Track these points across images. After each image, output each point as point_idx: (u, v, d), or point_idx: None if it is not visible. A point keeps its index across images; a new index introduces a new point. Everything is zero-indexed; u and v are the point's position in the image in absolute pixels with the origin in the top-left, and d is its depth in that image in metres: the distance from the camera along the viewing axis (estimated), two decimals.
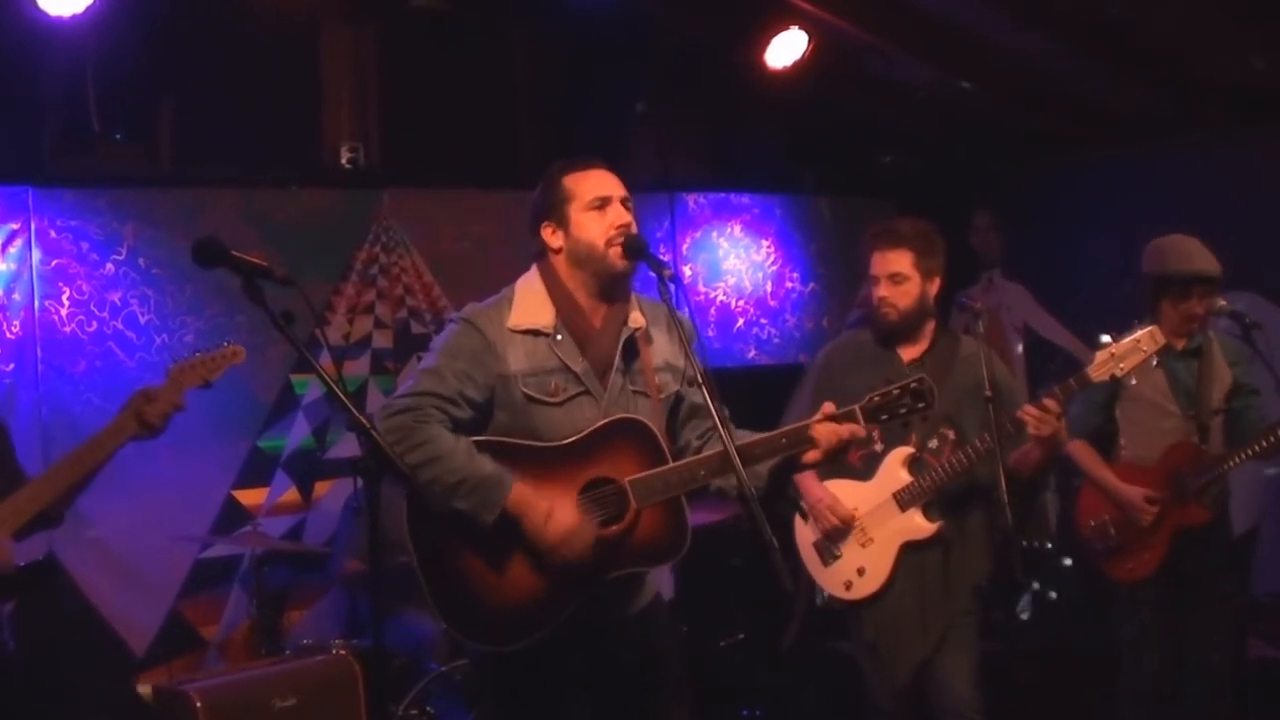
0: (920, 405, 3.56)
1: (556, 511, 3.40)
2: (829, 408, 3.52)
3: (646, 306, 3.70)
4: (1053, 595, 7.24)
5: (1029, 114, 7.67)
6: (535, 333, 3.55)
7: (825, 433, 3.49)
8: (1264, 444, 4.90)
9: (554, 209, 3.61)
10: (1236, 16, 6.35)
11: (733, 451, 3.27)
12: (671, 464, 3.50)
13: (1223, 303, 5.01)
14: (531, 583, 3.45)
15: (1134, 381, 4.85)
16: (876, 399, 3.55)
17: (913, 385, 3.56)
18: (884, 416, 3.57)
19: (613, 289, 3.60)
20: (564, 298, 3.59)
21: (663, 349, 3.68)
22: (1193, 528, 4.99)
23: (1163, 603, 5.04)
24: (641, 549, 3.50)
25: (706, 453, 3.58)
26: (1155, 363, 4.42)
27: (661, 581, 3.87)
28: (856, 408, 3.53)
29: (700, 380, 3.39)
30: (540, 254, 3.66)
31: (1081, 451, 5.15)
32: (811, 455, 3.52)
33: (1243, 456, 4.93)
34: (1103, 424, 5.15)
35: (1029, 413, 4.28)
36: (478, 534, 3.42)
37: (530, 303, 3.60)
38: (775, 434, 3.54)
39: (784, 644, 5.11)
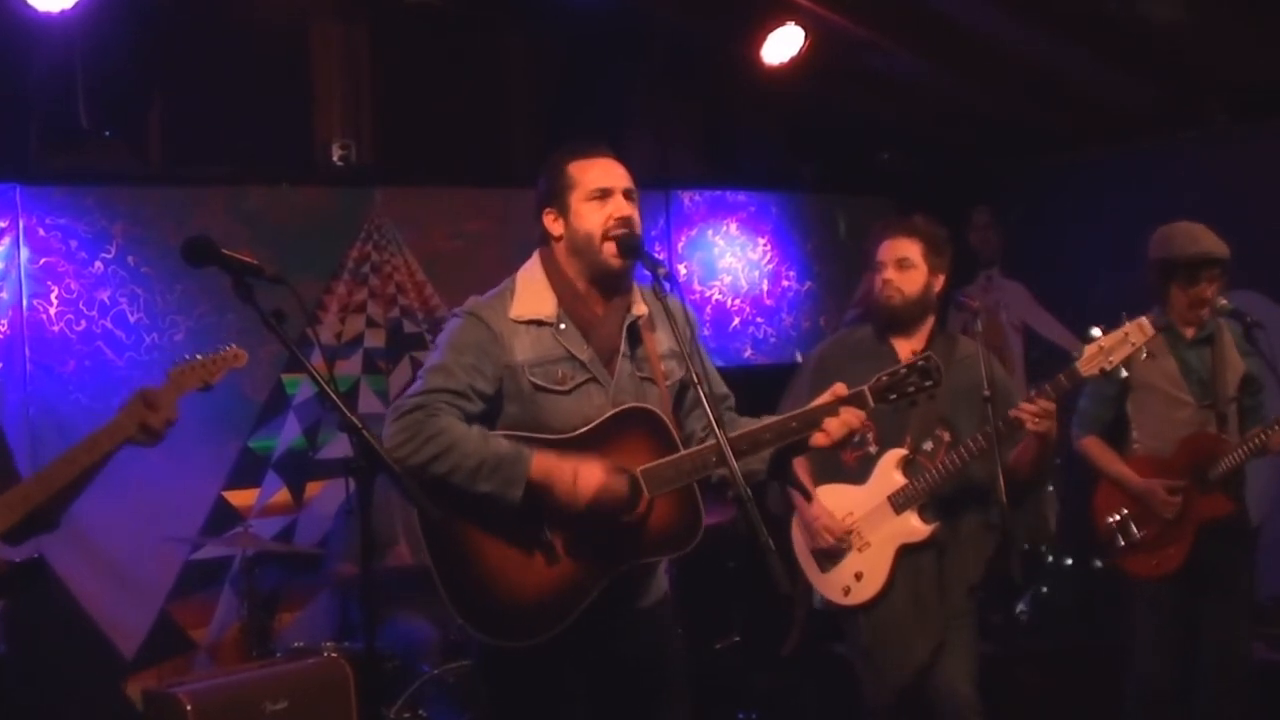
0: (928, 383, 3.52)
1: (582, 470, 3.36)
2: (840, 388, 3.48)
3: (649, 295, 3.67)
4: (1045, 590, 7.20)
5: (1028, 110, 7.64)
6: (539, 323, 3.53)
7: (835, 425, 3.45)
8: (1256, 442, 4.89)
9: (556, 196, 3.58)
10: (1238, 12, 6.32)
11: (730, 456, 3.22)
12: (683, 451, 3.47)
13: (1224, 301, 4.97)
14: (549, 576, 3.42)
15: (1124, 373, 4.79)
16: (884, 378, 3.52)
17: (920, 363, 3.53)
18: (892, 395, 3.53)
19: (612, 282, 3.58)
20: (565, 286, 3.57)
21: (667, 336, 3.66)
22: (1218, 519, 4.94)
23: (1182, 599, 5.00)
24: (656, 538, 3.47)
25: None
26: (1145, 354, 4.36)
27: (663, 585, 3.83)
28: (865, 388, 3.50)
29: (695, 380, 3.35)
30: (543, 240, 3.64)
31: (1094, 447, 5.11)
32: (819, 439, 3.48)
33: (1246, 450, 4.91)
34: (1114, 419, 5.10)
35: (1025, 410, 4.25)
36: (494, 526, 3.40)
37: (532, 293, 3.57)
38: (785, 418, 3.51)
39: (785, 651, 5.07)
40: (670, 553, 3.55)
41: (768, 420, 3.52)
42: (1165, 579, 4.98)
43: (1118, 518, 5.05)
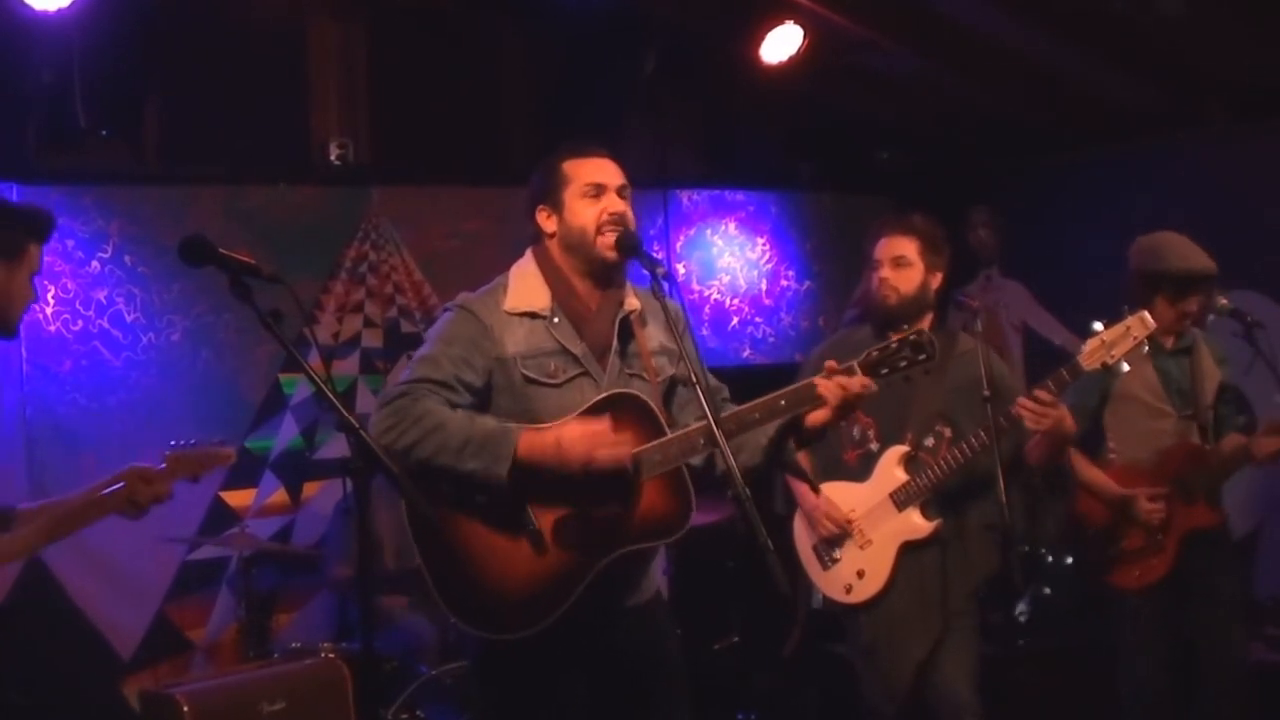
0: (921, 357, 3.47)
1: (564, 435, 3.35)
2: (832, 364, 3.46)
3: (640, 292, 3.68)
4: (1047, 591, 7.18)
5: (1028, 110, 7.63)
6: (532, 315, 3.54)
7: (830, 387, 3.41)
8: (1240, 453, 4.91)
9: (550, 193, 3.59)
10: (1238, 12, 6.31)
11: (723, 442, 3.20)
12: (670, 435, 3.45)
13: (1224, 301, 4.95)
14: (539, 566, 3.41)
15: (1126, 367, 4.77)
16: (875, 353, 3.48)
17: (911, 337, 3.48)
18: (884, 370, 3.49)
19: (605, 276, 3.59)
20: (559, 281, 3.58)
21: (658, 332, 3.67)
22: (1202, 529, 4.92)
23: (1167, 608, 4.96)
24: (645, 525, 3.46)
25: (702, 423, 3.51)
26: (1146, 350, 4.35)
27: (656, 583, 3.82)
28: (855, 362, 3.46)
29: (694, 379, 3.33)
30: (535, 237, 3.64)
31: (1075, 460, 5.04)
32: (818, 415, 3.47)
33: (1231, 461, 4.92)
34: (1092, 428, 5.06)
35: (1025, 406, 4.24)
36: (483, 518, 3.41)
37: (525, 286, 3.58)
38: (774, 396, 3.47)
39: (786, 651, 5.05)
40: (660, 540, 3.53)
41: (758, 400, 3.49)
42: (1148, 590, 4.93)
43: (1099, 529, 5.00)
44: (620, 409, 3.46)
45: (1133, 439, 5.01)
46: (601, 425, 3.38)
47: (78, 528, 3.89)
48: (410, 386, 3.43)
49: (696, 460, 3.49)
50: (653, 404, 3.50)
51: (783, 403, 3.46)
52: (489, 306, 3.54)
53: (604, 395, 3.48)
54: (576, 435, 3.35)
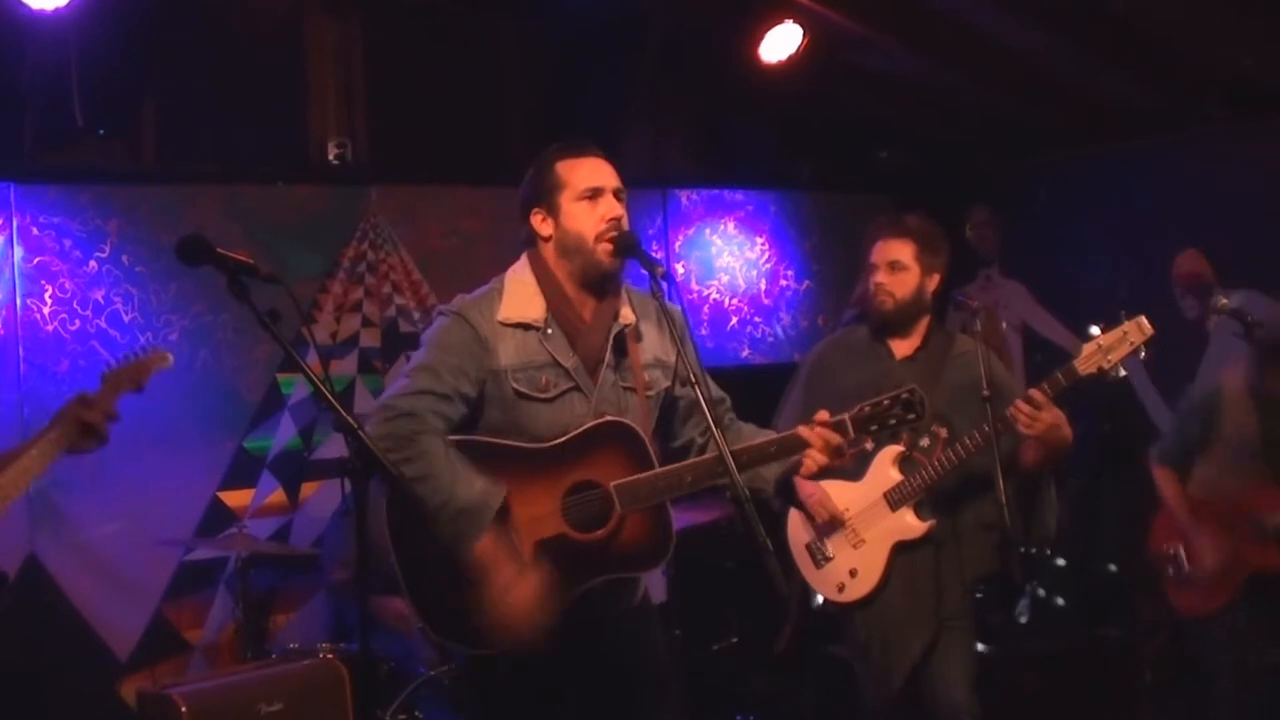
0: (911, 416, 3.51)
1: (518, 586, 3.31)
2: (823, 415, 3.46)
3: (636, 300, 3.64)
4: (1044, 591, 7.18)
5: (1027, 108, 7.63)
6: (525, 326, 3.49)
7: (814, 437, 3.42)
8: None
9: (544, 196, 3.54)
10: (1238, 10, 6.30)
11: (728, 456, 3.19)
12: (658, 469, 3.43)
13: (1224, 301, 4.95)
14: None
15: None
16: (867, 409, 3.50)
17: (903, 396, 3.51)
18: (874, 427, 3.52)
19: (602, 283, 3.54)
20: (554, 290, 3.53)
21: (652, 345, 3.63)
22: (1269, 569, 4.94)
23: (1234, 632, 5.02)
24: (624, 554, 3.45)
25: (694, 458, 3.54)
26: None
27: (654, 585, 3.82)
28: (846, 418, 3.48)
29: (694, 379, 3.31)
30: (529, 241, 3.59)
31: (1163, 478, 5.21)
32: (808, 465, 3.46)
33: None
34: (1192, 456, 5.15)
35: (1019, 409, 4.21)
36: None
37: (520, 295, 3.53)
38: (764, 442, 3.49)
39: (777, 649, 5.04)
40: (638, 570, 3.53)
41: (748, 443, 3.50)
42: (1208, 616, 5.04)
43: (1172, 550, 5.14)
44: (611, 437, 3.45)
45: (1216, 470, 5.10)
46: (539, 612, 3.31)
47: (43, 470, 3.92)
48: (413, 403, 3.38)
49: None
50: (644, 435, 3.47)
51: (772, 449, 3.48)
52: (484, 314, 3.49)
53: (597, 423, 3.45)
54: (521, 601, 3.29)
